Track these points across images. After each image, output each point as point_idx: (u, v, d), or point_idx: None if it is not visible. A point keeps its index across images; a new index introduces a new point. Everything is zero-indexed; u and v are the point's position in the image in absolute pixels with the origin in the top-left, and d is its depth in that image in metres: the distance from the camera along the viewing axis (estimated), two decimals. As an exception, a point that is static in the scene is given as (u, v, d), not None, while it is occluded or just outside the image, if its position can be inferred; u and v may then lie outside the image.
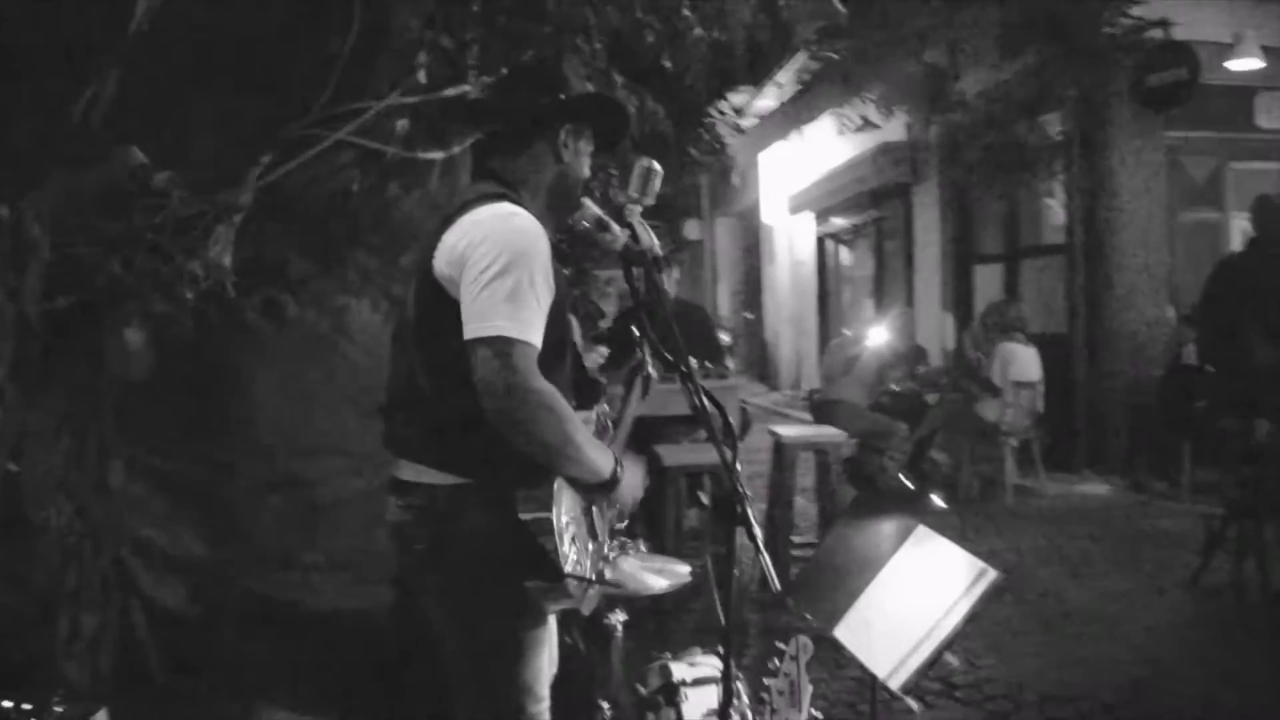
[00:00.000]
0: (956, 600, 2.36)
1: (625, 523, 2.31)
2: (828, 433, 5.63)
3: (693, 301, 7.36)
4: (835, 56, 8.04)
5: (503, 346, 1.83)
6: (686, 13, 3.49)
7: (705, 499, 6.04)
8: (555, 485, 1.95)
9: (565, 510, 1.98)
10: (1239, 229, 7.94)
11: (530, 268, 1.91)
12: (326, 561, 3.27)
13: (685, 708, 2.49)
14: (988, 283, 9.92)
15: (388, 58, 2.78)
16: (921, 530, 2.57)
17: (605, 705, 2.76)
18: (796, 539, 5.48)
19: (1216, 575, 4.98)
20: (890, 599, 2.47)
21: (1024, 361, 7.44)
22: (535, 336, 1.89)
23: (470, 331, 1.86)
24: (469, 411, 1.88)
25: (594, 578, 2.07)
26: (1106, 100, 7.21)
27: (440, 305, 1.96)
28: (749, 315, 18.72)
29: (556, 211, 2.22)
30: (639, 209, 2.29)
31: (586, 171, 2.30)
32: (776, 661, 2.13)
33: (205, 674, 3.02)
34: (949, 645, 2.30)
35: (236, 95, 2.65)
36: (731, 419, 5.65)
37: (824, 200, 13.38)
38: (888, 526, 2.66)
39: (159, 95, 2.51)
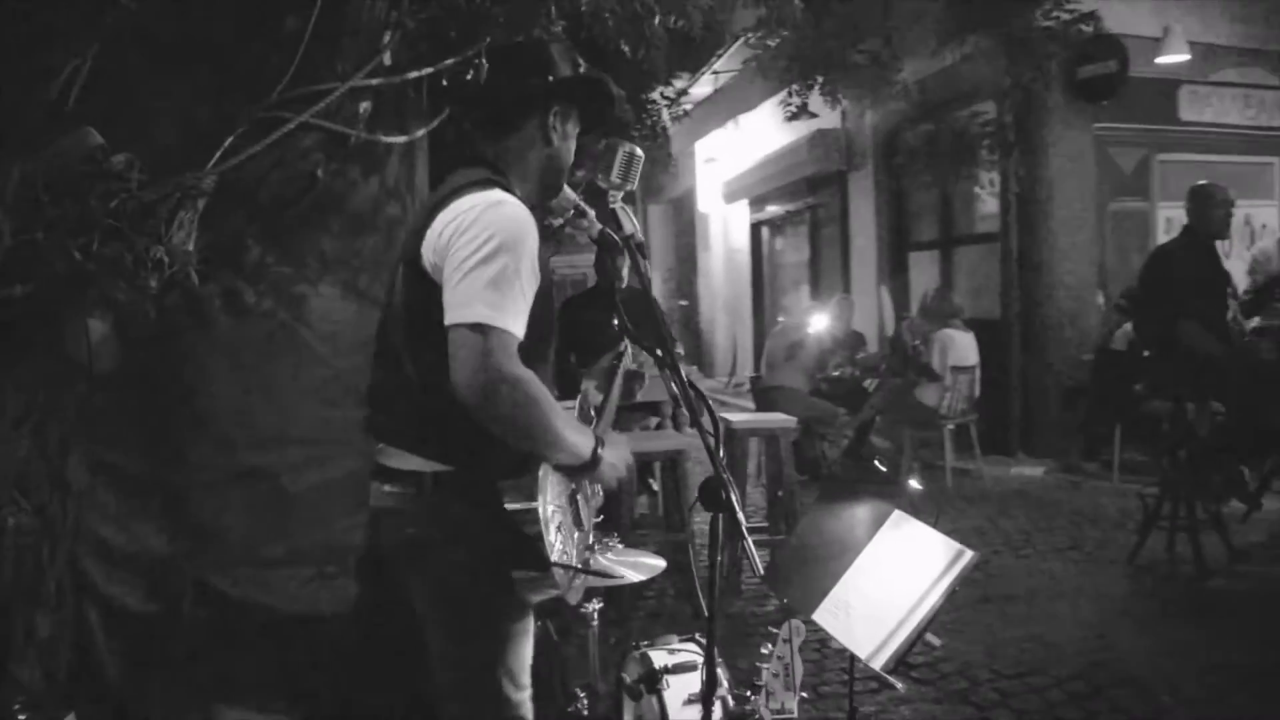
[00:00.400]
0: (935, 581, 2.39)
1: (600, 506, 2.30)
2: (777, 419, 5.68)
3: (639, 288, 7.34)
4: (771, 45, 8.06)
5: (479, 332, 1.81)
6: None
7: (655, 486, 6.10)
8: (540, 473, 1.94)
9: (551, 499, 1.97)
10: (1165, 218, 8.22)
11: (517, 255, 1.88)
12: (288, 555, 3.19)
13: (667, 695, 2.49)
14: (923, 270, 10.09)
15: (351, 38, 2.70)
16: (898, 514, 2.59)
17: (582, 694, 2.75)
18: (748, 525, 5.51)
19: (1152, 552, 5.17)
20: (869, 582, 2.49)
21: (962, 347, 7.60)
22: (517, 325, 1.86)
23: (450, 317, 1.84)
24: (453, 399, 1.86)
25: (580, 566, 2.06)
26: (1040, 91, 7.36)
27: (426, 292, 1.93)
28: (683, 302, 18.78)
29: (545, 196, 2.20)
30: (621, 195, 2.28)
31: (572, 155, 2.28)
32: (770, 646, 2.14)
33: (164, 674, 2.93)
34: (929, 625, 2.33)
35: (194, 75, 2.56)
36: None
37: (759, 188, 13.46)
38: (863, 511, 2.68)
39: (116, 76, 2.41)
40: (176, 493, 2.93)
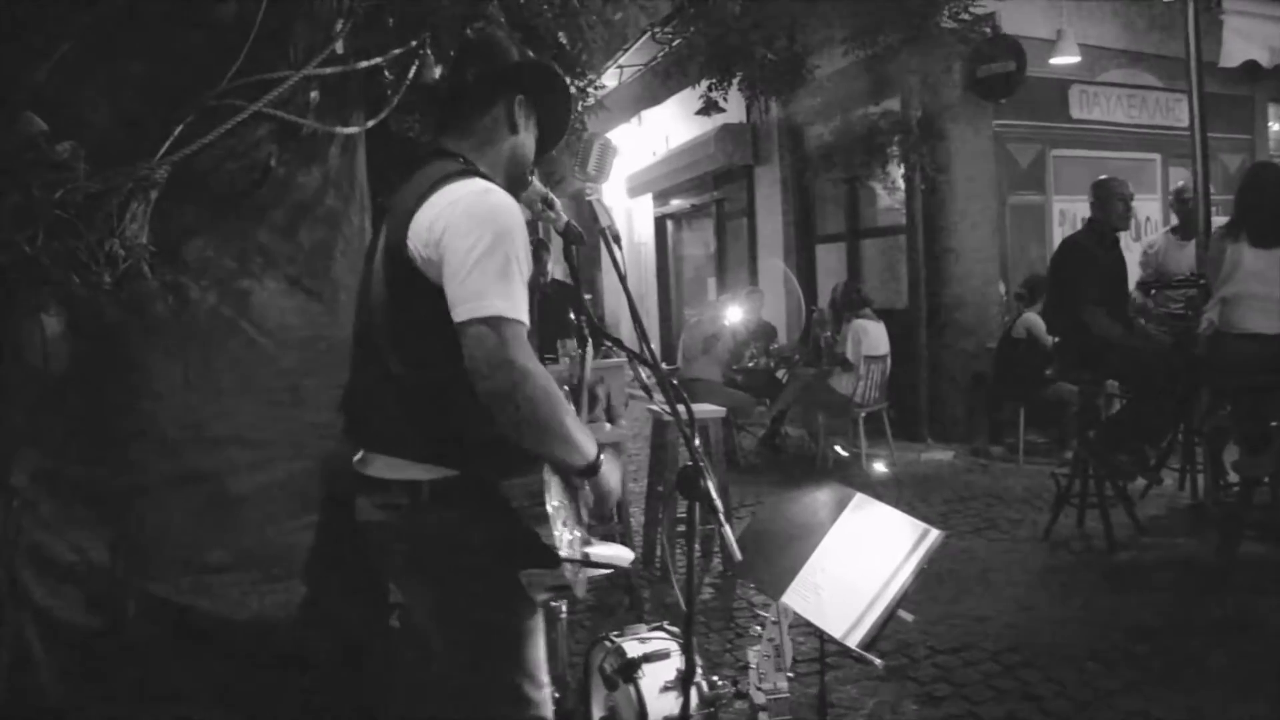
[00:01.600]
0: (903, 560, 2.46)
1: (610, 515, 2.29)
2: (706, 409, 5.73)
3: (566, 281, 7.33)
4: (679, 40, 8.12)
5: (499, 326, 1.79)
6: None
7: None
8: (545, 473, 1.92)
9: (554, 496, 1.95)
10: (1059, 211, 8.60)
11: (514, 244, 1.87)
12: (234, 560, 3.08)
13: (644, 684, 2.50)
14: (830, 262, 10.32)
15: (303, 25, 2.63)
16: (859, 498, 2.67)
17: (551, 686, 2.74)
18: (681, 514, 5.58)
19: (1064, 528, 5.41)
20: (836, 564, 2.56)
21: (874, 337, 7.80)
22: (526, 315, 1.85)
23: (464, 312, 1.80)
24: (452, 400, 1.83)
25: (583, 559, 2.06)
26: (943, 89, 7.61)
27: (416, 289, 1.89)
28: (587, 296, 18.74)
29: (511, 189, 2.17)
30: (598, 187, 2.29)
31: (534, 147, 2.27)
32: (759, 628, 2.17)
33: (106, 689, 2.80)
34: (901, 602, 2.40)
35: (141, 60, 2.45)
36: (615, 400, 5.64)
37: (664, 182, 13.55)
38: (824, 496, 2.75)
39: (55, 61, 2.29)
40: (118, 499, 2.80)
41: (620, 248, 2.30)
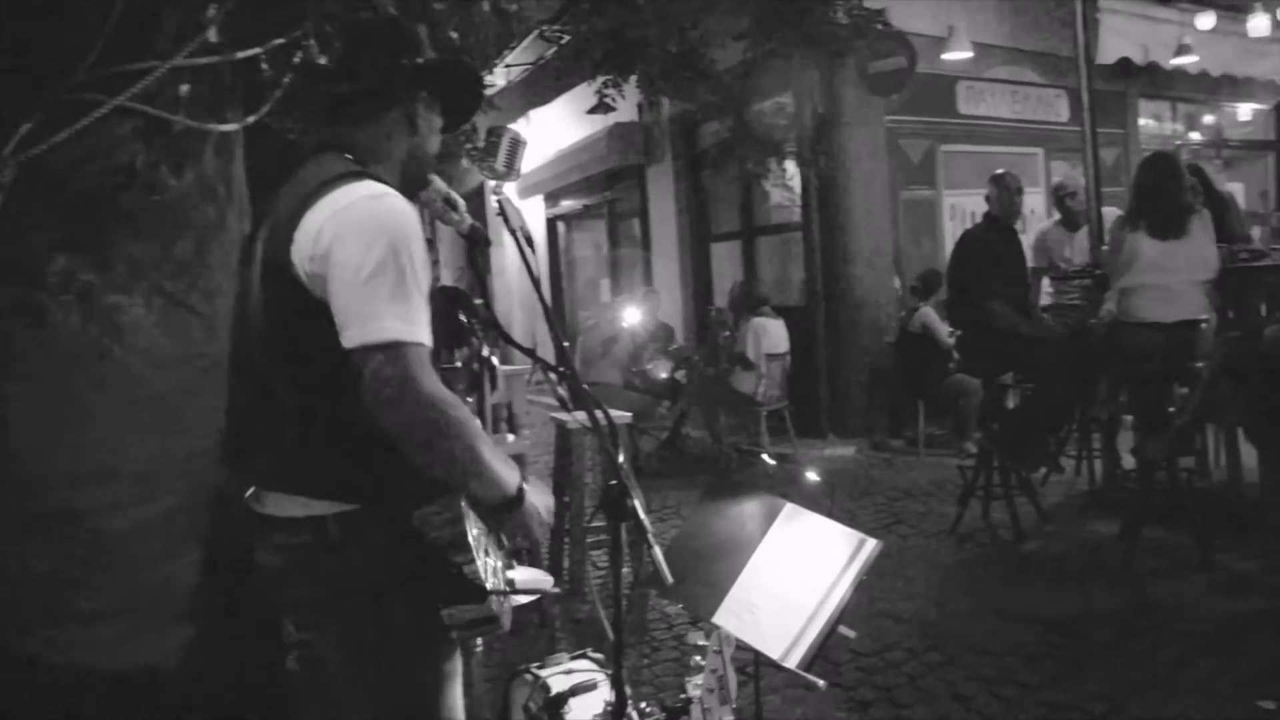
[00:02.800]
0: (840, 573, 2.35)
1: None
2: (613, 416, 5.57)
3: (457, 286, 7.07)
4: (571, 36, 7.95)
5: (396, 351, 1.59)
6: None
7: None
8: (462, 499, 1.73)
9: (473, 522, 1.77)
10: (949, 205, 8.75)
11: (410, 255, 1.67)
12: (109, 607, 2.79)
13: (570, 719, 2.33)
14: (725, 260, 10.29)
15: (171, 10, 2.36)
16: (790, 508, 2.55)
17: (470, 728, 2.55)
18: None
19: (970, 520, 5.45)
20: (770, 579, 2.43)
21: (774, 334, 7.78)
22: (427, 335, 1.65)
23: (355, 337, 1.60)
24: (351, 427, 1.63)
25: (509, 589, 1.88)
26: (836, 85, 7.64)
27: (303, 307, 1.67)
28: (477, 300, 18.42)
29: (409, 190, 1.97)
30: (506, 184, 2.11)
31: (437, 146, 2.07)
32: (699, 659, 2.02)
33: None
34: (841, 618, 2.29)
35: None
36: (517, 409, 5.41)
37: (554, 182, 13.35)
38: (751, 507, 2.62)
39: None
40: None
41: (534, 250, 2.12)
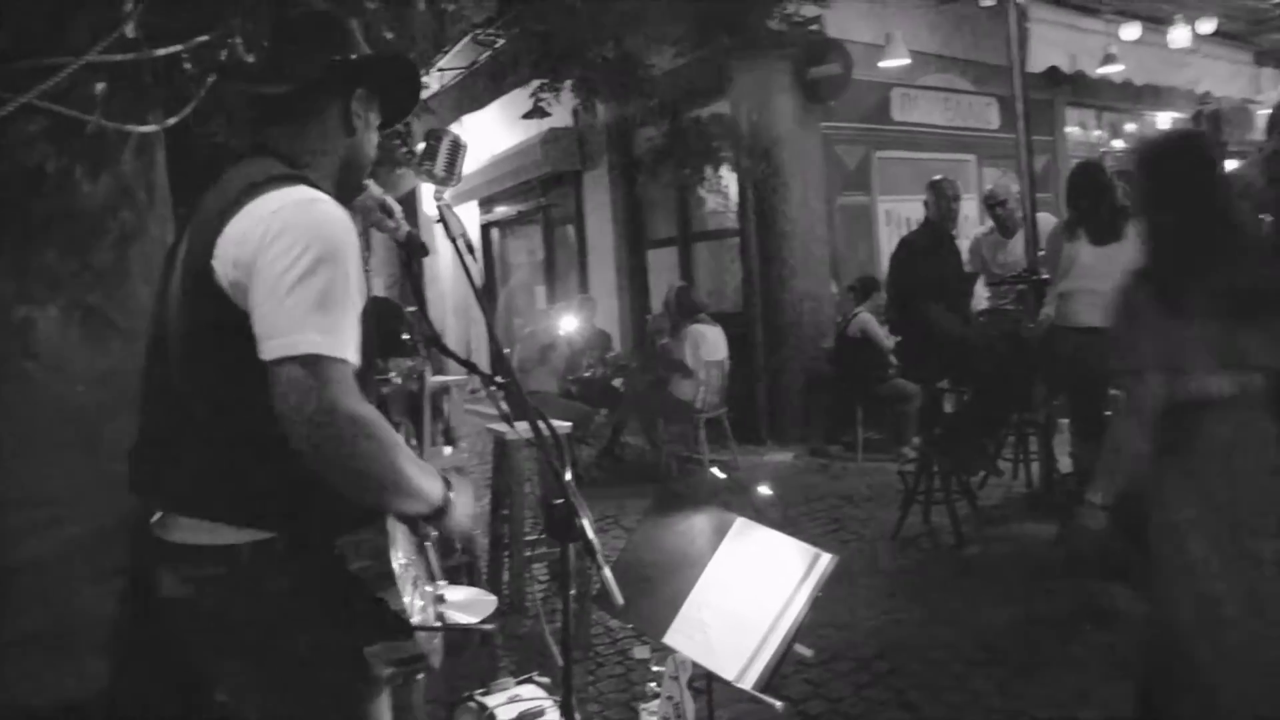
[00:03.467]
0: (795, 589, 2.29)
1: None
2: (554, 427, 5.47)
3: (381, 296, 6.91)
4: (506, 40, 7.88)
5: (316, 366, 1.48)
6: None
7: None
8: (388, 524, 1.63)
9: (400, 551, 1.66)
10: (884, 211, 8.82)
11: (343, 266, 1.56)
12: (16, 639, 2.62)
13: (517, 748, 2.24)
14: (662, 267, 10.25)
15: (84, 4, 2.22)
16: (741, 522, 2.48)
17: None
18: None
19: (911, 525, 5.46)
20: (722, 597, 2.36)
21: (712, 341, 7.75)
22: (352, 351, 1.54)
23: (273, 349, 1.49)
24: (269, 448, 1.51)
25: (440, 624, 1.77)
26: (774, 91, 7.64)
27: (223, 318, 1.55)
28: (410, 309, 18.13)
29: (344, 195, 1.86)
30: (447, 190, 2.01)
31: (375, 148, 1.97)
32: (654, 686, 1.94)
33: None
34: (797, 635, 2.23)
35: None
36: (454, 421, 5.29)
37: (488, 188, 13.17)
38: (701, 522, 2.55)
39: None
40: None
41: (475, 258, 2.03)
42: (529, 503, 5.60)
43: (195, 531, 1.60)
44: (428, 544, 1.84)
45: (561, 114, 10.11)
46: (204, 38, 2.59)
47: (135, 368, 2.79)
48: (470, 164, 7.96)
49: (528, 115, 8.47)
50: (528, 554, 5.06)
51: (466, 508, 1.78)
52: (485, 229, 14.88)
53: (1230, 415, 2.45)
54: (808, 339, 8.32)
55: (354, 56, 1.82)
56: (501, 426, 5.39)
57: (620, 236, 10.60)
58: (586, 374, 8.64)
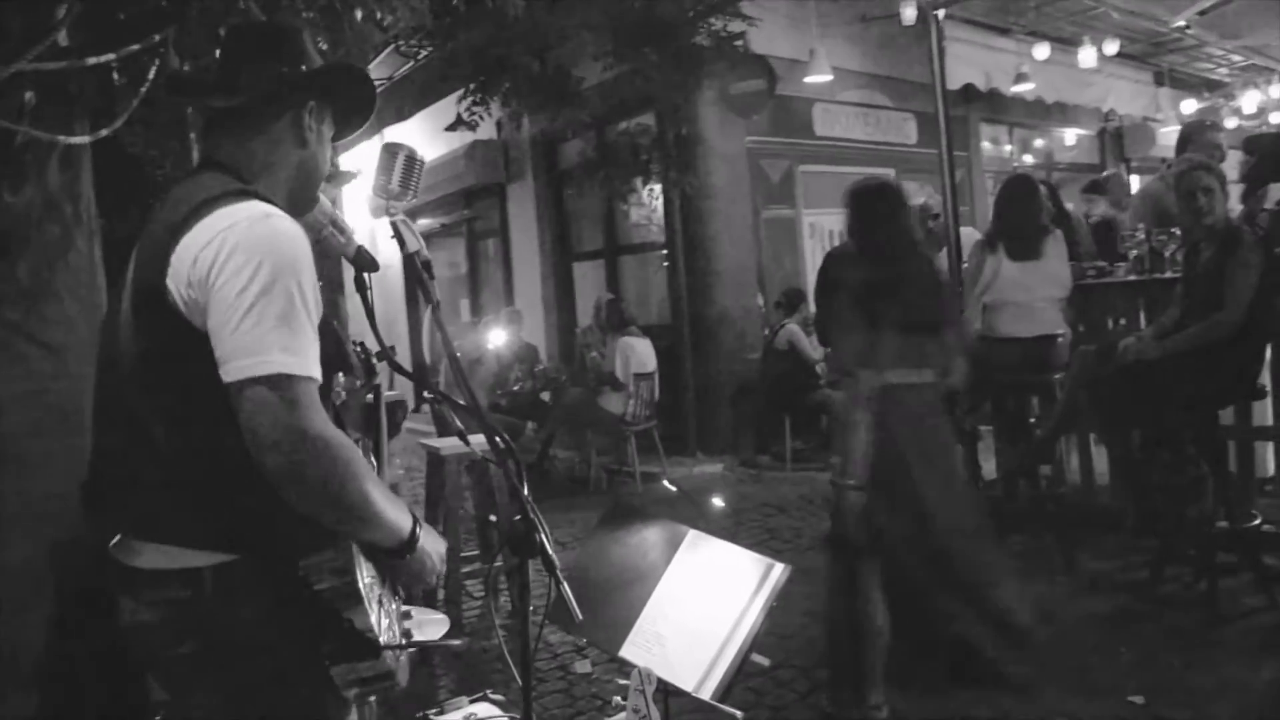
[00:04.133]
0: (750, 600, 2.31)
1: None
2: (482, 440, 5.42)
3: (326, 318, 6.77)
4: (437, 51, 7.80)
5: (282, 386, 1.45)
6: (357, -12, 3.11)
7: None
8: (353, 545, 1.60)
9: (367, 571, 1.63)
10: (808, 224, 8.97)
11: (300, 282, 1.53)
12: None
13: (475, 769, 2.21)
14: (588, 280, 10.25)
15: (15, 9, 2.13)
16: (693, 535, 2.49)
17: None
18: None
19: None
20: (677, 609, 2.37)
21: (642, 354, 7.78)
22: (316, 368, 1.51)
23: (236, 370, 1.45)
24: (230, 470, 1.48)
25: (405, 642, 1.74)
26: (698, 105, 7.72)
27: (178, 338, 1.51)
28: (333, 322, 17.80)
29: (297, 208, 1.82)
30: (402, 205, 1.99)
31: (328, 161, 1.93)
32: (620, 699, 1.93)
33: None
34: (753, 645, 2.25)
35: None
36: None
37: (379, 197, 12.99)
38: (653, 535, 2.55)
39: None
40: None
41: (432, 276, 2.01)
42: (462, 518, 5.55)
43: (158, 556, 1.56)
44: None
45: (485, 126, 10.07)
46: (135, 47, 2.51)
47: (62, 386, 2.70)
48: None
49: (451, 127, 8.41)
50: (463, 570, 5.01)
51: (432, 552, 1.74)
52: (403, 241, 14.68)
53: (913, 396, 3.43)
54: (735, 351, 8.40)
55: (305, 69, 1.78)
56: (435, 442, 5.36)
57: (546, 249, 10.57)
58: (515, 387, 8.59)
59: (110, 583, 1.62)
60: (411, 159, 1.95)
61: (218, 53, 1.96)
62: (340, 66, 1.90)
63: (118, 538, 1.62)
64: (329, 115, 1.85)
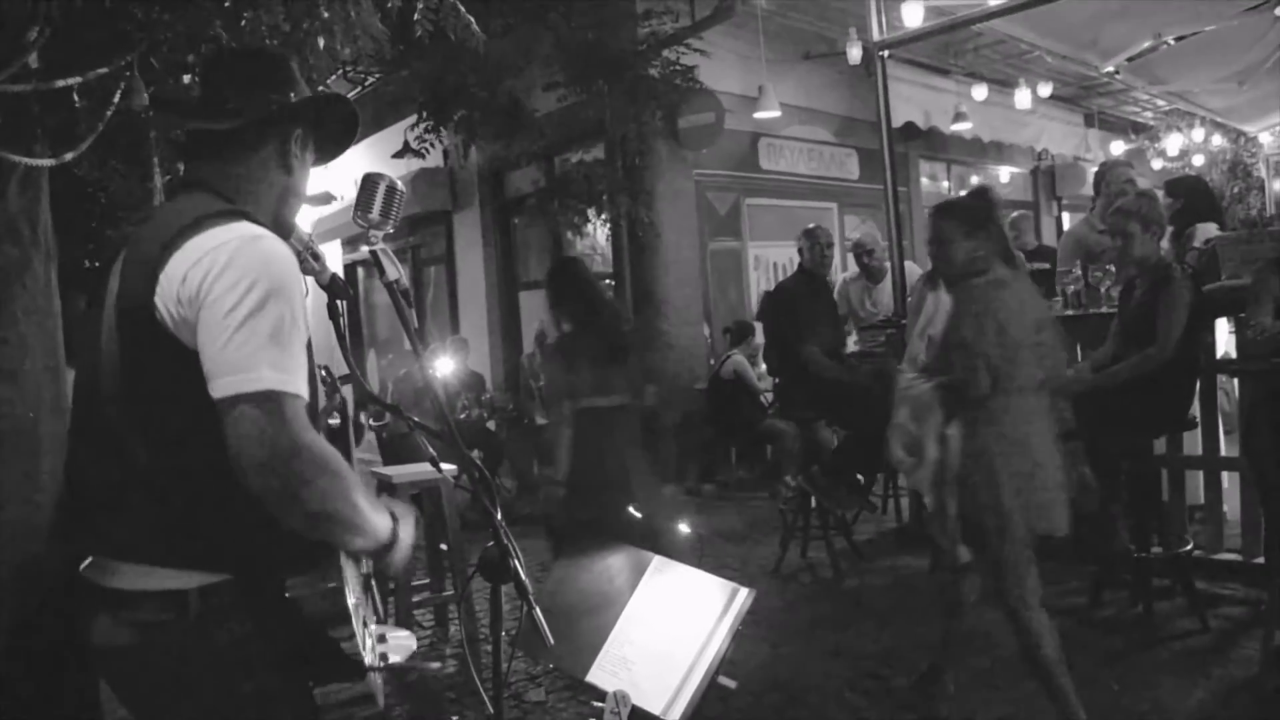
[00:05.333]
0: (715, 624, 2.35)
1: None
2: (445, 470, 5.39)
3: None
4: (371, 80, 7.81)
5: (271, 403, 1.46)
6: (325, 14, 3.12)
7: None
8: (341, 563, 1.61)
9: (353, 589, 1.65)
10: (754, 255, 9.12)
11: (290, 302, 1.55)
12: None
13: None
14: (534, 309, 10.26)
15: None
16: (659, 561, 2.53)
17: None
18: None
19: (791, 560, 5.62)
20: (644, 634, 2.40)
21: (590, 382, 7.79)
22: (305, 386, 1.54)
23: (225, 386, 1.46)
24: (215, 487, 1.49)
25: (382, 663, 1.75)
26: (647, 137, 7.82)
27: (165, 355, 1.52)
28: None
29: (279, 232, 1.84)
30: (381, 234, 2.03)
31: (307, 187, 1.96)
32: (594, 722, 1.96)
33: None
34: (719, 668, 2.29)
35: None
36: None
37: (354, 226, 12.84)
38: (618, 561, 2.59)
39: None
40: None
41: (410, 304, 2.03)
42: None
43: (138, 576, 1.55)
44: (373, 583, 1.82)
45: (433, 154, 10.08)
46: (103, 70, 2.51)
47: (19, 411, 2.66)
48: (336, 202, 7.94)
49: (399, 154, 8.41)
50: (414, 600, 4.97)
51: (408, 541, 1.76)
52: (350, 268, 14.56)
53: (608, 418, 4.30)
54: (682, 381, 8.47)
55: (294, 96, 1.81)
56: (387, 470, 5.33)
57: (492, 278, 10.57)
58: (461, 416, 8.55)
59: (82, 605, 1.61)
60: (392, 189, 1.98)
61: (195, 76, 1.98)
62: (330, 97, 1.93)
63: (90, 559, 1.60)
64: (311, 142, 1.88)
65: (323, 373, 2.43)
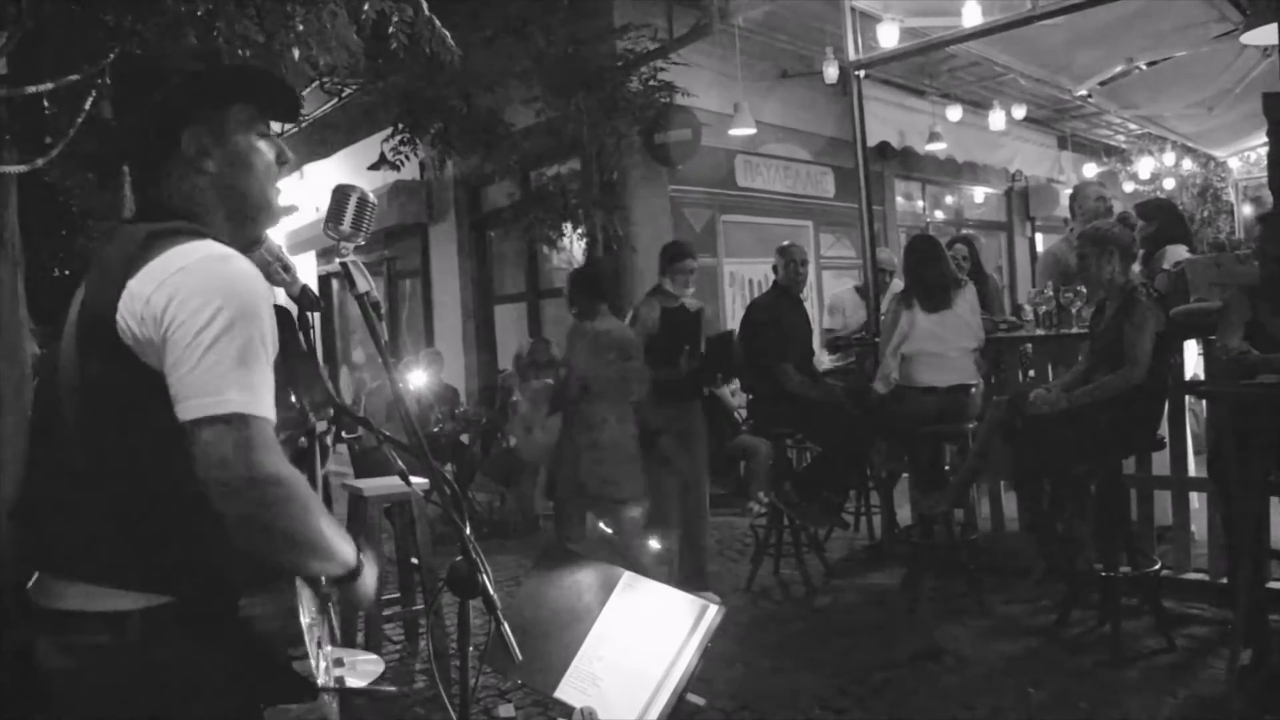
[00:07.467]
0: (685, 639, 2.34)
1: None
2: (415, 484, 5.36)
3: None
4: (348, 91, 7.78)
5: (238, 426, 1.43)
6: (300, 25, 3.11)
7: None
8: (296, 582, 1.59)
9: (307, 609, 1.62)
10: (729, 272, 9.13)
11: (258, 323, 1.51)
12: None
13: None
14: (509, 323, 10.24)
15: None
16: (628, 576, 2.52)
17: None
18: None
19: (763, 577, 5.62)
20: (613, 650, 2.38)
21: (566, 397, 7.77)
22: (271, 409, 1.50)
23: (194, 409, 1.43)
24: (170, 508, 1.46)
25: (339, 686, 1.73)
26: (624, 153, 7.84)
27: (125, 374, 1.49)
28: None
29: (243, 234, 1.79)
30: (352, 246, 2.01)
31: (268, 180, 1.82)
32: (563, 740, 1.94)
33: None
34: (689, 685, 2.27)
35: None
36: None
37: (328, 239, 12.83)
38: (587, 576, 2.57)
39: None
40: None
41: (381, 317, 2.01)
42: (382, 562, 5.45)
43: (80, 597, 1.51)
44: (331, 604, 1.79)
45: (409, 167, 10.05)
46: (75, 77, 2.48)
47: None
48: (310, 214, 7.95)
49: (375, 166, 8.38)
50: (384, 614, 4.92)
51: (373, 576, 1.75)
52: (324, 280, 14.49)
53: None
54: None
55: (174, 86, 1.66)
56: (358, 483, 5.29)
57: (468, 291, 10.54)
58: (435, 429, 8.50)
59: (28, 625, 1.58)
60: (364, 201, 1.96)
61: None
62: (214, 74, 1.76)
63: (35, 576, 1.57)
64: (238, 128, 1.73)
65: (295, 403, 2.41)
